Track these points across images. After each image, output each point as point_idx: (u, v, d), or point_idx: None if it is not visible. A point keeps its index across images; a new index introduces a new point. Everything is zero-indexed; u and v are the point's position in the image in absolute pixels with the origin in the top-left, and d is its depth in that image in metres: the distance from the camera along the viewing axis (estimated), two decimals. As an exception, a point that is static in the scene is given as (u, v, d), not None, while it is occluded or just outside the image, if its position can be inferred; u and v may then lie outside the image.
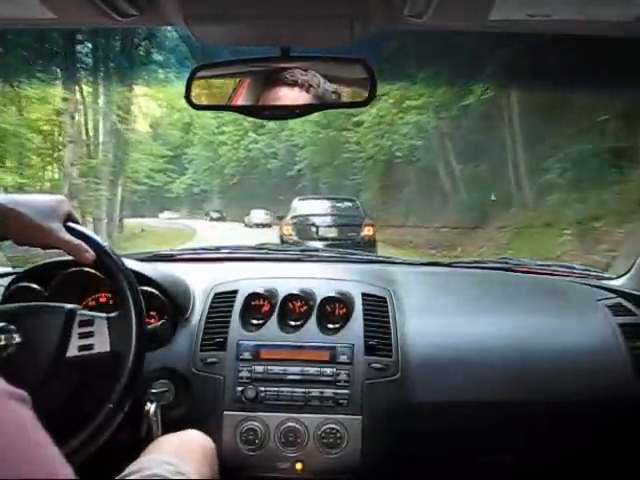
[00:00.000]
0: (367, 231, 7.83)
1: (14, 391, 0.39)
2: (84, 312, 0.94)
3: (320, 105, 0.97)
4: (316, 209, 8.51)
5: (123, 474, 0.81)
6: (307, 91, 0.94)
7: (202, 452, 0.94)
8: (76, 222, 0.94)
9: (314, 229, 7.72)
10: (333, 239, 7.50)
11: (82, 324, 0.92)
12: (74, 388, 0.94)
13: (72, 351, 0.90)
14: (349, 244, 7.02)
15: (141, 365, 0.93)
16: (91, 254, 0.91)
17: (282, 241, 7.63)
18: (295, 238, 7.62)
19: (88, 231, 0.94)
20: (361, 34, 0.90)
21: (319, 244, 6.50)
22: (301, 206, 8.68)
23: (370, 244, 7.56)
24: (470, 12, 0.84)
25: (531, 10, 0.80)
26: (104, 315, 0.94)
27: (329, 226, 7.90)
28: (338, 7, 0.83)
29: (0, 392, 0.38)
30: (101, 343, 0.92)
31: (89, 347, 0.91)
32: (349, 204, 9.06)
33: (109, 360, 0.92)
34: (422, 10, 0.81)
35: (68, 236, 0.90)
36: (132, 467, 0.84)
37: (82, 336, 0.91)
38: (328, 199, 9.70)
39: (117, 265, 0.95)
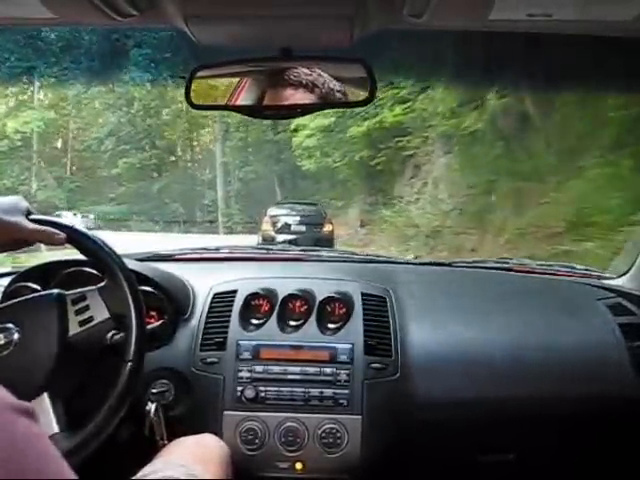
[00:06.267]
0: (328, 227, 10.27)
1: (21, 405, 0.39)
2: (73, 291, 0.96)
3: (322, 105, 0.98)
4: (289, 211, 10.77)
5: (137, 476, 0.82)
6: (312, 91, 0.94)
7: (217, 456, 0.95)
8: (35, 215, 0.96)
9: (287, 225, 9.83)
10: (302, 232, 9.61)
11: (75, 302, 0.94)
12: (89, 364, 0.96)
13: (74, 329, 0.92)
14: (314, 237, 9.21)
15: (144, 316, 0.95)
16: (62, 235, 0.93)
17: (262, 236, 9.77)
18: (272, 232, 9.65)
19: (51, 217, 0.97)
20: (361, 34, 0.90)
21: (291, 237, 8.96)
22: (277, 209, 11.04)
23: (330, 238, 9.95)
24: (470, 12, 0.84)
25: (531, 10, 0.80)
26: (94, 287, 0.96)
27: (298, 223, 10.01)
28: (338, 7, 0.83)
29: (7, 407, 0.38)
30: (99, 312, 0.94)
31: (89, 320, 0.93)
32: (313, 207, 11.61)
33: (113, 324, 0.94)
34: (422, 10, 0.81)
35: (35, 226, 0.92)
36: (146, 469, 0.85)
37: (79, 312, 0.93)
38: (297, 203, 12.24)
39: (90, 239, 0.96)
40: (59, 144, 19.46)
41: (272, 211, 10.70)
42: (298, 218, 10.14)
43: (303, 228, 9.81)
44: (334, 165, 13.95)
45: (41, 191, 16.76)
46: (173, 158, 20.25)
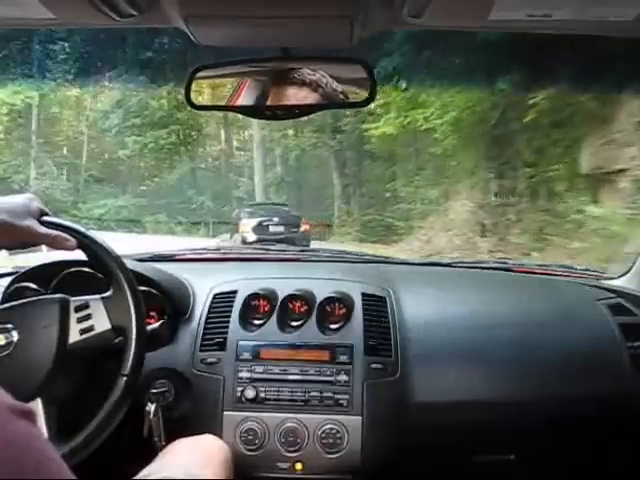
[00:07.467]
0: (304, 227, 10.13)
1: (21, 407, 0.39)
2: (77, 298, 0.95)
3: (322, 105, 0.98)
4: (265, 212, 10.68)
5: (137, 476, 0.82)
6: (315, 91, 0.94)
7: (217, 457, 0.95)
8: (48, 216, 0.95)
9: (266, 227, 9.81)
10: (281, 233, 9.49)
11: (78, 309, 0.93)
12: (85, 372, 0.96)
13: (74, 337, 0.92)
14: (292, 238, 8.94)
15: (144, 333, 0.95)
16: (72, 241, 0.93)
17: (242, 239, 9.49)
18: (251, 234, 9.46)
19: (64, 221, 0.95)
20: (361, 34, 0.90)
21: (269, 238, 8.86)
22: (253, 210, 10.99)
23: (307, 238, 9.78)
24: (470, 12, 0.84)
25: (531, 10, 0.80)
26: (97, 296, 0.95)
27: (277, 224, 9.95)
28: (338, 7, 0.83)
29: (6, 409, 0.38)
30: (101, 322, 0.93)
31: (90, 329, 0.93)
32: (285, 208, 11.43)
33: (113, 336, 0.94)
34: (421, 10, 0.81)
35: (46, 230, 0.91)
36: (146, 470, 0.85)
37: (80, 320, 0.93)
38: (269, 204, 11.96)
39: (101, 246, 0.96)
40: (62, 121, 15.14)
41: (247, 214, 10.75)
42: (276, 219, 10.18)
43: (281, 229, 9.88)
44: (427, 125, 7.68)
45: (38, 180, 13.36)
46: (198, 135, 14.54)
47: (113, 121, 14.01)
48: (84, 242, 0.95)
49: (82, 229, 0.96)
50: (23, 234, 0.89)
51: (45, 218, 0.93)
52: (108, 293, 0.95)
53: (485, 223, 6.99)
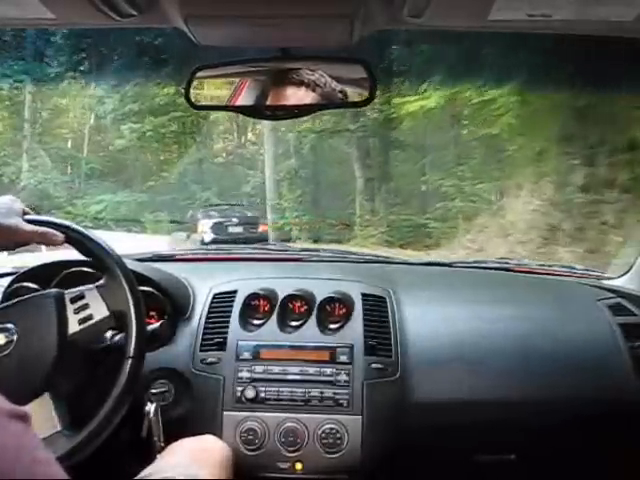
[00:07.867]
0: (264, 228, 10.04)
1: (16, 410, 0.39)
2: (71, 290, 0.96)
3: (323, 105, 0.98)
4: (224, 212, 10.58)
5: (138, 476, 0.82)
6: (313, 91, 0.95)
7: (217, 457, 0.95)
8: (31, 215, 0.96)
9: (225, 227, 9.67)
10: (240, 234, 9.43)
11: (73, 300, 0.94)
12: (90, 361, 0.96)
13: (73, 328, 0.92)
14: (251, 238, 8.87)
15: (143, 314, 0.95)
16: (60, 236, 0.94)
17: (201, 239, 9.31)
18: (209, 233, 9.35)
19: (48, 217, 0.96)
20: (361, 34, 0.90)
21: (229, 238, 8.97)
22: (211, 211, 10.74)
23: (266, 237, 9.62)
24: (470, 12, 0.84)
25: (531, 10, 0.80)
26: (91, 285, 0.96)
27: (236, 225, 9.83)
28: (338, 7, 0.83)
29: (3, 413, 0.38)
30: (98, 310, 0.94)
31: (89, 318, 0.93)
32: (243, 209, 11.40)
33: (113, 321, 0.94)
34: (421, 10, 0.81)
35: (33, 227, 0.92)
36: (146, 470, 0.85)
37: (77, 310, 0.93)
38: (228, 204, 11.77)
39: (88, 238, 0.97)
40: (57, 110, 13.17)
41: (206, 214, 10.59)
42: (235, 219, 10.09)
43: (240, 229, 9.80)
44: (479, 97, 6.14)
45: (30, 173, 11.83)
46: (204, 124, 12.73)
47: (108, 107, 12.47)
48: (71, 235, 0.96)
49: (67, 223, 0.97)
50: (11, 233, 0.90)
51: (29, 217, 0.94)
52: (102, 281, 0.96)
53: (565, 228, 5.04)
